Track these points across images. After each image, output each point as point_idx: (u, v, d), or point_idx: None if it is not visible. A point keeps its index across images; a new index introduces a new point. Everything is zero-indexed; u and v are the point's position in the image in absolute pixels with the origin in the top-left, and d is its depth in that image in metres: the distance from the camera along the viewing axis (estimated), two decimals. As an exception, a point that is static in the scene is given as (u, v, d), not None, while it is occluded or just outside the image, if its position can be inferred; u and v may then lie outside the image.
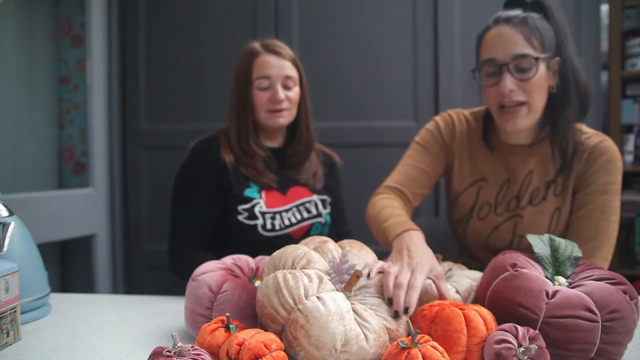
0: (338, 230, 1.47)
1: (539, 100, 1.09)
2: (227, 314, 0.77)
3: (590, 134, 1.17)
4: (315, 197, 1.40)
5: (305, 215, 1.37)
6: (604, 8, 2.31)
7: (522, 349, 0.68)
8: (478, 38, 1.15)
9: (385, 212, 1.12)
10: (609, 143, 1.15)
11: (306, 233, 1.36)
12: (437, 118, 1.29)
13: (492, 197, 1.19)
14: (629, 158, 2.39)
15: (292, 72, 1.33)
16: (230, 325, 0.75)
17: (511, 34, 1.06)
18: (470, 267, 1.03)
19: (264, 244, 1.24)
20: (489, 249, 1.22)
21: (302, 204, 1.37)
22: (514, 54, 1.05)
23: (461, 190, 1.23)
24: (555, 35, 1.09)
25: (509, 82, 1.06)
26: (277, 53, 1.33)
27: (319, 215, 1.39)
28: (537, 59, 1.05)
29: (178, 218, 1.34)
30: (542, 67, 1.07)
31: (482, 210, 1.20)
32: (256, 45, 1.35)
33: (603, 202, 1.11)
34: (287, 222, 1.33)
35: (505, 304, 0.77)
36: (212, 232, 1.33)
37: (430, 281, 0.89)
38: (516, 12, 1.09)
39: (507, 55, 1.06)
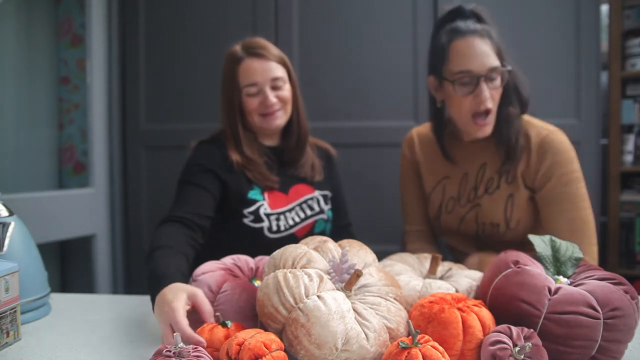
0: (340, 223, 1.46)
1: (497, 104, 1.20)
2: (217, 313, 0.79)
3: (538, 127, 1.24)
4: (317, 194, 1.40)
5: (309, 212, 1.36)
6: (604, 8, 2.31)
7: (517, 348, 0.68)
8: (440, 49, 1.20)
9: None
10: (554, 136, 1.21)
11: (310, 230, 1.36)
12: (403, 143, 1.43)
13: (455, 192, 1.30)
14: (629, 158, 2.39)
15: (279, 72, 1.30)
16: (226, 322, 0.77)
17: (483, 47, 1.15)
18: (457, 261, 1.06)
19: (269, 246, 1.24)
20: (462, 235, 1.32)
21: (305, 201, 1.37)
22: (489, 66, 1.14)
23: (430, 191, 1.35)
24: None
25: (486, 91, 1.15)
26: (260, 56, 1.29)
27: (321, 211, 1.39)
28: (503, 71, 1.15)
29: (175, 197, 1.26)
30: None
31: (448, 205, 1.31)
32: (238, 49, 1.31)
33: (567, 193, 1.17)
34: (291, 222, 1.32)
35: (507, 300, 0.77)
36: (216, 236, 1.31)
37: (430, 281, 0.89)
38: (474, 24, 1.17)
39: (483, 68, 1.14)
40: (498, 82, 1.16)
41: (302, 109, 1.40)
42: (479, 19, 1.19)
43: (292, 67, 1.37)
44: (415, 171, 1.39)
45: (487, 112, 1.17)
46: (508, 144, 1.21)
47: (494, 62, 1.14)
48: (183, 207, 1.19)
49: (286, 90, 1.32)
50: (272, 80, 1.29)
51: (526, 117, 1.26)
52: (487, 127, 1.19)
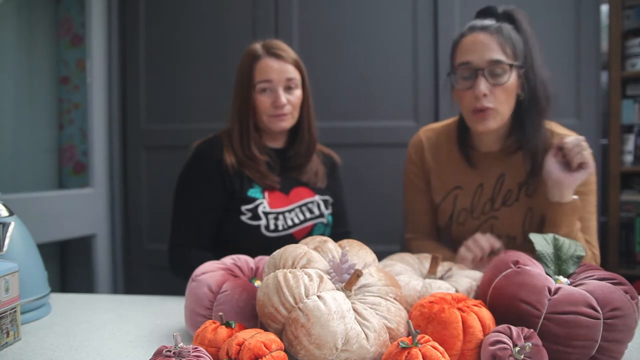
0: (339, 230, 1.47)
1: (508, 106, 1.16)
2: (220, 313, 0.78)
3: (562, 135, 1.20)
4: (317, 198, 1.40)
5: (308, 215, 1.36)
6: (604, 8, 2.31)
7: (517, 348, 0.68)
8: (453, 44, 1.21)
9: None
10: None
11: (309, 233, 1.36)
12: (409, 146, 1.37)
13: (467, 203, 1.26)
14: (629, 158, 2.38)
15: (294, 74, 1.32)
16: (230, 322, 0.77)
17: (487, 41, 1.13)
18: None
19: (267, 245, 1.24)
20: None
21: (305, 204, 1.37)
22: (490, 59, 1.12)
23: (440, 201, 1.30)
24: (524, 46, 1.16)
25: (483, 85, 1.12)
26: (279, 56, 1.31)
27: (321, 215, 1.39)
28: (510, 65, 1.12)
29: (180, 218, 1.33)
30: (513, 74, 1.14)
31: (460, 216, 1.27)
32: (258, 47, 1.33)
33: (585, 201, 1.18)
34: (290, 223, 1.32)
35: (507, 300, 0.77)
36: (215, 232, 1.33)
37: (429, 281, 0.89)
38: (490, 22, 1.16)
39: (483, 60, 1.13)
40: (504, 78, 1.12)
41: (312, 116, 1.41)
42: (511, 20, 1.17)
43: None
44: (425, 178, 1.33)
45: (485, 109, 1.13)
46: (534, 157, 1.18)
47: (496, 55, 1.12)
48: (199, 233, 1.31)
49: (296, 96, 1.34)
50: (286, 80, 1.31)
51: (547, 124, 1.22)
52: (488, 122, 1.15)
